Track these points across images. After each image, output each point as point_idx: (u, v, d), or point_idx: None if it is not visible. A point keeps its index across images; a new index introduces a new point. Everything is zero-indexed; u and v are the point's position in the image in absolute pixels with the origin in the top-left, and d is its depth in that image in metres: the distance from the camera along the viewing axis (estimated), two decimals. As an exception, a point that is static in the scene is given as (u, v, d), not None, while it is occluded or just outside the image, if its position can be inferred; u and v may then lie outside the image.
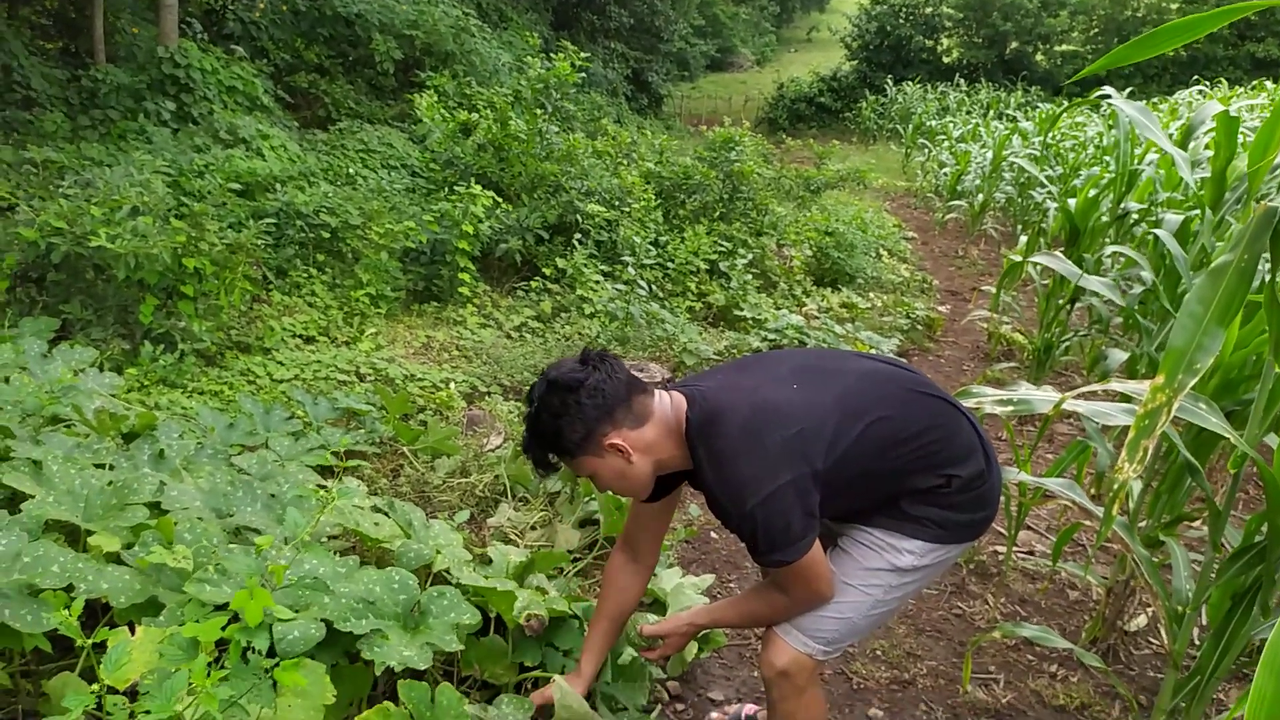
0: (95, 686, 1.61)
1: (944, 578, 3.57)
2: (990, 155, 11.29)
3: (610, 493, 2.01)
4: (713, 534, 3.79)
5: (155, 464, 2.82)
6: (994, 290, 6.74)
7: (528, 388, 1.93)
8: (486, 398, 4.77)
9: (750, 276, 7.19)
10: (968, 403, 2.30)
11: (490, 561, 2.84)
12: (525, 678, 2.43)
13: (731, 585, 3.43)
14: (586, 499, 3.43)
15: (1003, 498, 3.80)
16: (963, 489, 1.91)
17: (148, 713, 1.54)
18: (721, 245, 7.54)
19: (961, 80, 26.97)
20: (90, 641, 1.66)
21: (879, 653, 3.06)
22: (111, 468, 2.70)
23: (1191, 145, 4.17)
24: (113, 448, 2.87)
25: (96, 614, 2.31)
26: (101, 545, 2.23)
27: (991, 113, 19.72)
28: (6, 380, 3.25)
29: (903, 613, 3.32)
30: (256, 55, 9.20)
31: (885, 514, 1.93)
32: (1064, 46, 30.88)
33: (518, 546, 3.16)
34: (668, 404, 1.92)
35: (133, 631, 1.99)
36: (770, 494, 1.74)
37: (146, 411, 3.15)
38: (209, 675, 1.58)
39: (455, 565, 2.60)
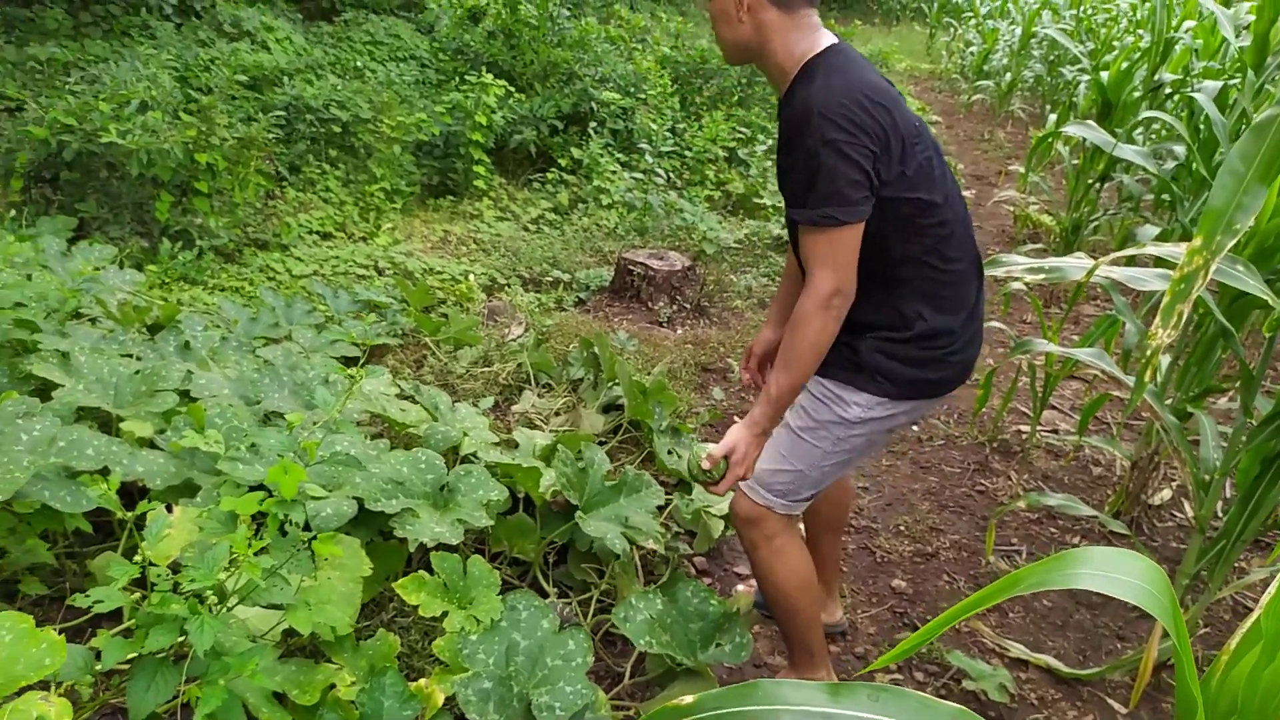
0: (139, 558, 1.65)
1: (966, 456, 3.59)
2: (1019, 32, 10.87)
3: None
4: (735, 418, 3.80)
5: (181, 355, 2.84)
6: (1021, 170, 6.58)
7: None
8: (506, 289, 4.75)
9: (770, 164, 7.04)
10: (998, 271, 2.26)
11: (516, 445, 2.87)
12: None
13: (755, 466, 3.45)
14: (610, 384, 3.44)
15: (1026, 377, 3.80)
16: (921, 338, 1.89)
17: (192, 581, 1.58)
18: (740, 132, 7.37)
19: (989, -45, 25.73)
20: (132, 515, 1.69)
21: (902, 528, 3.10)
22: (138, 358, 2.73)
23: (1233, 9, 3.99)
24: (138, 340, 2.89)
25: (133, 499, 2.36)
26: (134, 431, 2.27)
27: (1020, -12, 18.87)
28: (29, 278, 3.25)
29: (925, 490, 3.35)
30: (256, -55, 8.87)
31: (838, 361, 1.92)
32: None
33: (543, 431, 3.19)
34: (813, 35, 1.83)
35: (170, 512, 2.03)
36: (847, 140, 1.69)
37: (170, 304, 3.16)
38: (249, 545, 1.62)
39: (482, 447, 2.63)
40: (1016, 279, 2.28)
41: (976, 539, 3.08)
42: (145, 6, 6.71)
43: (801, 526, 2.67)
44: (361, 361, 3.09)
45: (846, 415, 1.93)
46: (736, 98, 7.95)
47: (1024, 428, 3.80)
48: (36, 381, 2.53)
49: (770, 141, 7.26)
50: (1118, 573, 0.97)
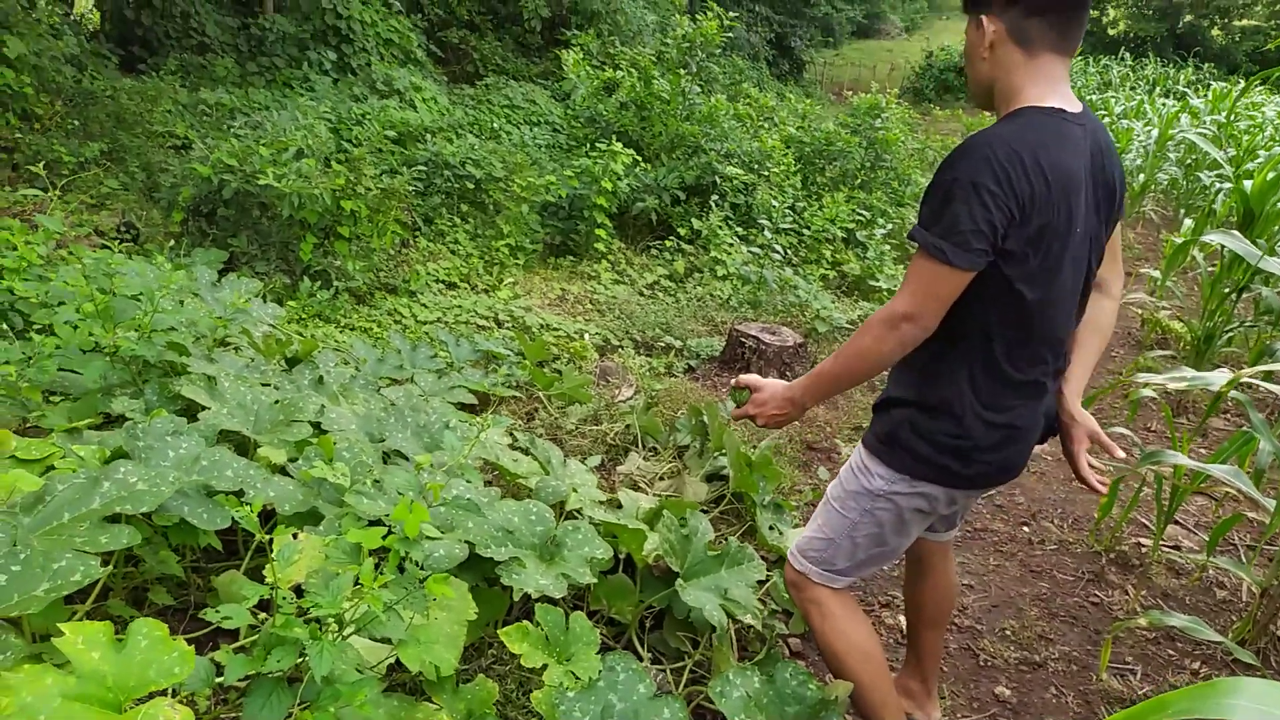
0: (269, 579, 1.74)
1: (1080, 564, 3.45)
2: (1155, 134, 10.63)
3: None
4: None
5: (315, 388, 2.99)
6: (1152, 274, 6.38)
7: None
8: (619, 351, 4.84)
9: (888, 247, 7.02)
10: (1136, 378, 2.19)
11: (620, 506, 2.90)
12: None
13: (857, 552, 3.39)
14: (715, 454, 3.45)
15: (1151, 488, 3.64)
16: (948, 417, 1.84)
17: (317, 606, 1.65)
18: (860, 214, 7.38)
19: (1127, 54, 25.41)
20: (266, 537, 1.78)
21: (1009, 632, 2.98)
22: (276, 388, 2.88)
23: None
24: (277, 370, 3.06)
25: (260, 522, 2.47)
26: (269, 457, 2.39)
27: (1158, 89, 18.52)
28: (182, 304, 3.49)
29: (1035, 595, 3.22)
30: (412, 9, 9.46)
31: (874, 428, 1.97)
32: (1244, 21, 28.61)
33: (646, 494, 3.21)
34: (1048, 87, 1.78)
35: (294, 538, 2.13)
36: (994, 191, 1.65)
37: (308, 340, 3.34)
38: (375, 579, 1.68)
39: (588, 504, 2.67)
40: (1156, 386, 2.21)
41: (1088, 653, 2.94)
42: (307, 61, 7.21)
43: (902, 619, 2.61)
44: (492, 410, 3.19)
45: (870, 486, 1.97)
46: (859, 180, 7.99)
47: (1144, 540, 3.63)
48: (183, 402, 2.70)
49: (891, 226, 7.25)
50: (1275, 707, 0.92)
